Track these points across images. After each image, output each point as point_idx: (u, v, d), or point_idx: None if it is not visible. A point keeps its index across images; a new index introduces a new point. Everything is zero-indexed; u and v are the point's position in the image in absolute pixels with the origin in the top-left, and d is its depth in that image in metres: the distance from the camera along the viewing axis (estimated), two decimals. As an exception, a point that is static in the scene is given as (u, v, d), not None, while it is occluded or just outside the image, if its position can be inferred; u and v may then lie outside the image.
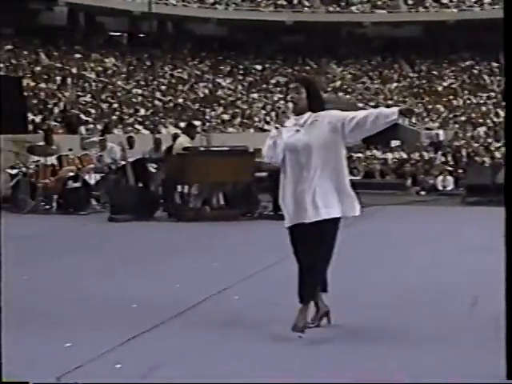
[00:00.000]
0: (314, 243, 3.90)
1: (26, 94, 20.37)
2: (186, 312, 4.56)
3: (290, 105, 4.03)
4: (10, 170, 11.62)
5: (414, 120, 34.89)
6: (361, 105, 36.85)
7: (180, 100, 32.85)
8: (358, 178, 18.10)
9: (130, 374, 3.28)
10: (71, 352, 3.66)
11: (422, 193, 15.72)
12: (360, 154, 24.38)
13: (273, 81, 38.33)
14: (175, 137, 12.13)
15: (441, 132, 31.70)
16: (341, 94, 38.02)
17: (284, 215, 4.02)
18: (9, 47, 32.09)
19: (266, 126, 30.45)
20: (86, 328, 4.13)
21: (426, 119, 35.44)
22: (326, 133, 3.89)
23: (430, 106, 36.61)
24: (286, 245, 7.40)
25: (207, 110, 32.33)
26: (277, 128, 3.99)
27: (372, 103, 37.30)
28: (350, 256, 6.73)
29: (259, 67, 39.35)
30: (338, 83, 39.23)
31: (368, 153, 25.98)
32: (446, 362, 3.46)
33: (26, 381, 2.84)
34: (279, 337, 3.90)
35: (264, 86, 37.50)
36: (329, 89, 38.74)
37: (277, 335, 3.94)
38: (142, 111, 29.98)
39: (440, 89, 38.40)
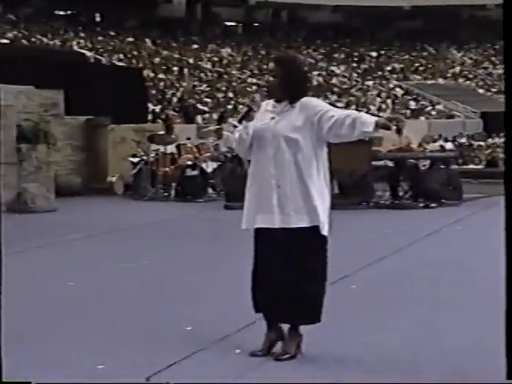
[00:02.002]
0: (282, 255, 3.26)
1: (146, 84, 21.07)
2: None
3: (257, 96, 3.46)
4: (132, 159, 12.06)
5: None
6: (481, 91, 35.36)
7: (294, 88, 32.88)
8: (480, 167, 17.38)
9: (250, 359, 3.30)
10: (192, 334, 3.73)
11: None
12: (481, 143, 23.42)
13: (388, 67, 37.53)
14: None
15: None
16: (461, 80, 36.63)
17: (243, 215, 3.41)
18: (130, 39, 33.39)
19: (382, 114, 29.89)
20: (205, 313, 4.19)
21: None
22: (297, 124, 3.26)
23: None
24: (402, 235, 7.26)
25: (321, 99, 32.16)
26: (239, 124, 3.39)
27: (494, 89, 35.70)
28: (469, 248, 6.46)
29: (374, 54, 38.64)
30: (458, 69, 37.80)
31: (490, 141, 24.89)
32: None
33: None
34: (393, 328, 3.79)
35: (379, 72, 36.80)
36: (448, 75, 37.44)
37: (394, 327, 3.84)
38: (257, 100, 30.29)
39: None
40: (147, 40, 33.75)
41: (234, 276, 5.33)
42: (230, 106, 28.66)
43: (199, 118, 25.38)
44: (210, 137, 12.78)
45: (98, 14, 35.30)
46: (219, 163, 11.59)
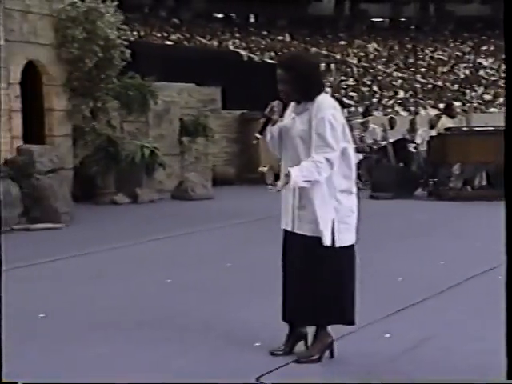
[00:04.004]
0: (298, 263, 3.13)
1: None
2: (451, 289, 4.55)
3: (275, 105, 3.18)
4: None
5: None
6: None
7: (439, 82, 32.41)
8: None
9: (399, 344, 3.32)
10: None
11: None
12: None
13: (543, 59, 35.80)
14: (437, 118, 12.25)
15: None
16: None
17: None
18: (280, 38, 34.45)
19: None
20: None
21: None
22: (306, 127, 3.11)
23: None
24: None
25: (467, 91, 31.46)
26: (260, 135, 3.28)
27: None
28: None
29: (528, 45, 36.97)
30: None
31: None
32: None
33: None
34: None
35: (533, 64, 35.21)
36: None
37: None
38: (401, 93, 30.23)
39: None
40: (297, 38, 34.63)
41: (382, 263, 5.26)
42: (374, 100, 28.87)
43: (345, 111, 25.83)
44: (355, 129, 13.21)
45: (251, 15, 36.69)
46: (365, 154, 12.00)
